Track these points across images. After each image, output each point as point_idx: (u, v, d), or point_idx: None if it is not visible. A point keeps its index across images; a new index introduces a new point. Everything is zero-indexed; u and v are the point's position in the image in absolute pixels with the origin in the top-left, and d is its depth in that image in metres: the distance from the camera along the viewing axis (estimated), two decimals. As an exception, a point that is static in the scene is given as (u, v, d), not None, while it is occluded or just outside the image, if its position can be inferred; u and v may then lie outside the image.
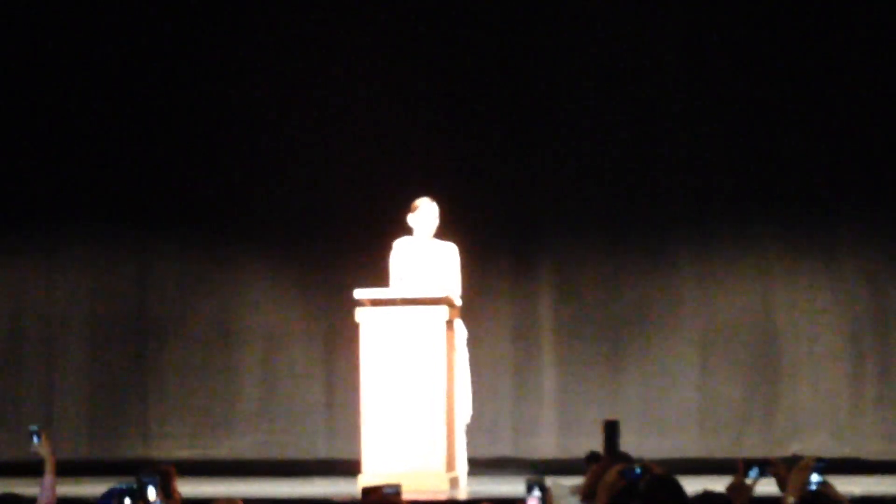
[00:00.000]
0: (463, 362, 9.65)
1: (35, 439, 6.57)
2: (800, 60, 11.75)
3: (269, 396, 12.10)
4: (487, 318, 11.62)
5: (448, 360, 9.30)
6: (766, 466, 5.49)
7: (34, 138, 12.33)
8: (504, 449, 11.72)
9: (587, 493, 6.06)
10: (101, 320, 12.25)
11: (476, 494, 9.21)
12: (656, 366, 11.77)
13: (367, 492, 5.55)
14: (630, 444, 10.01)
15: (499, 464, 11.28)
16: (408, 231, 9.82)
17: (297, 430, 12.00)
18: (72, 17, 12.28)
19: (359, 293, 9.36)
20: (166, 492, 6.07)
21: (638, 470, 5.41)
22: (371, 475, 9.07)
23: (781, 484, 5.50)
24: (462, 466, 9.62)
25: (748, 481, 5.44)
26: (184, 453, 11.79)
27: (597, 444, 9.32)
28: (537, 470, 9.43)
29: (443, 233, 9.84)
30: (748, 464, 5.48)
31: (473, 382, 9.76)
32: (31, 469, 7.13)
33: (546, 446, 11.74)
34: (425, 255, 9.74)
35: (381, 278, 9.81)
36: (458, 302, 9.57)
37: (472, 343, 9.84)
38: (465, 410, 9.65)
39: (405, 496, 5.62)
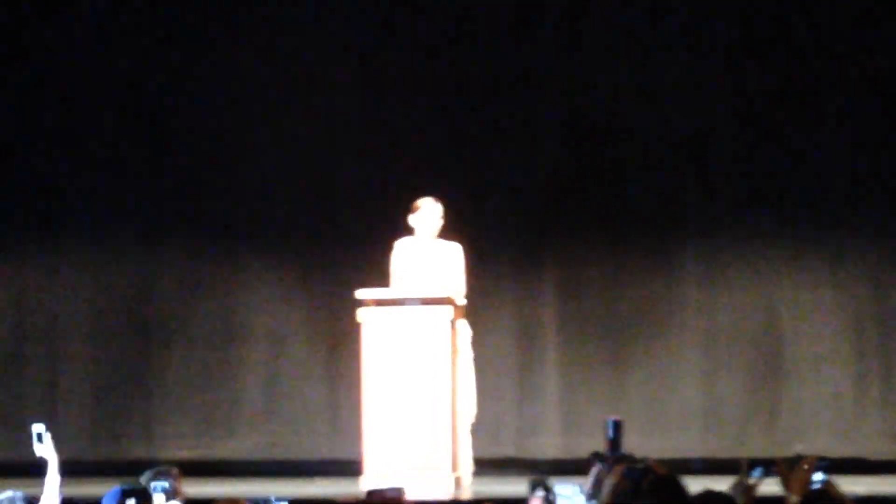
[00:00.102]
0: (466, 362, 9.64)
1: (38, 439, 6.57)
2: (802, 60, 11.75)
3: (272, 396, 12.10)
4: (491, 318, 11.61)
5: (451, 361, 9.29)
6: (769, 466, 5.49)
7: (36, 138, 12.32)
8: (507, 449, 11.72)
9: (590, 494, 6.06)
10: (103, 320, 12.24)
11: (480, 494, 9.20)
12: (660, 366, 11.77)
13: (371, 495, 5.55)
14: (633, 444, 10.01)
15: (502, 464, 11.27)
16: (410, 231, 9.82)
17: (299, 430, 11.99)
18: (74, 17, 12.28)
19: (362, 293, 9.35)
20: (171, 493, 6.07)
21: (640, 470, 5.41)
22: (374, 475, 9.06)
23: (785, 484, 5.50)
24: (466, 466, 9.62)
25: (751, 481, 5.44)
26: (187, 453, 11.78)
27: (600, 444, 9.31)
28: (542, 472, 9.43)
29: (446, 233, 9.84)
30: (751, 464, 5.48)
31: (477, 382, 9.75)
32: (35, 469, 7.13)
33: (549, 446, 11.73)
34: (427, 256, 9.73)
35: (383, 278, 9.81)
36: (462, 302, 9.56)
37: (476, 343, 9.83)
38: (468, 411, 9.64)
39: (408, 496, 5.64)
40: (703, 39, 11.86)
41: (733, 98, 11.83)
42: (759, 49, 11.80)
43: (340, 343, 11.58)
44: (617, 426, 7.57)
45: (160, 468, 6.27)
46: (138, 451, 11.94)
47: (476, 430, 9.79)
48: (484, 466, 10.19)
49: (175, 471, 6.34)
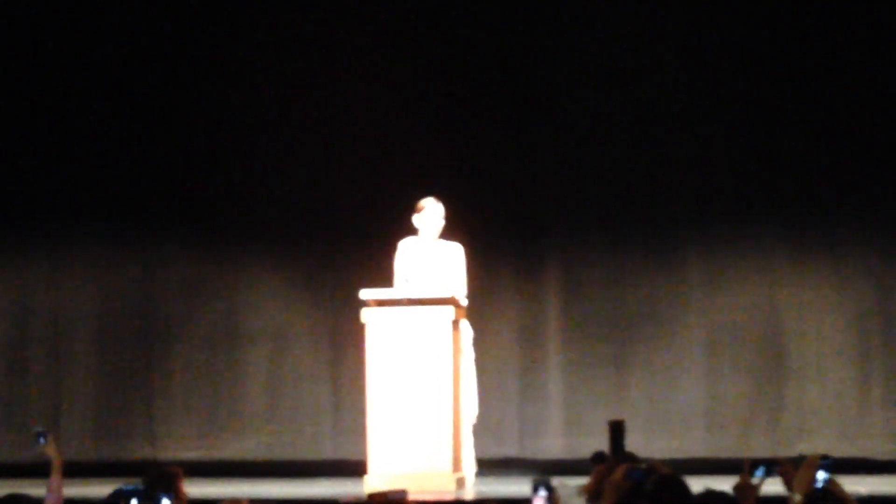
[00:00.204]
0: (469, 363, 9.65)
1: (41, 440, 6.58)
2: (804, 60, 11.75)
3: (274, 397, 12.11)
4: (493, 319, 11.62)
5: (454, 361, 9.30)
6: (772, 466, 5.49)
7: (39, 139, 12.33)
8: (510, 449, 11.72)
9: (593, 494, 6.05)
10: (106, 321, 12.25)
11: (482, 495, 9.21)
12: (662, 366, 11.77)
13: (372, 497, 5.56)
14: (636, 444, 10.02)
15: (505, 464, 11.27)
16: (413, 231, 9.82)
17: (302, 430, 12.00)
18: (75, 17, 12.28)
19: (365, 294, 9.36)
20: (174, 493, 6.07)
21: (643, 470, 5.41)
22: (377, 476, 9.06)
23: (788, 484, 5.50)
24: (469, 467, 9.62)
25: (754, 481, 5.43)
26: (190, 454, 11.79)
27: (603, 444, 9.31)
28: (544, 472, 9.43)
29: (448, 233, 9.85)
30: (754, 463, 5.47)
31: (479, 383, 9.76)
32: (38, 470, 7.14)
33: (552, 447, 11.73)
34: (430, 256, 9.74)
35: (386, 279, 9.81)
36: (464, 302, 9.57)
37: (478, 343, 9.84)
38: (471, 411, 9.64)
39: (412, 496, 5.64)
40: (704, 40, 11.87)
41: (736, 98, 11.82)
42: (759, 49, 11.80)
43: (343, 344, 11.59)
44: (619, 426, 7.57)
45: (161, 473, 6.25)
46: (142, 452, 11.95)
47: (478, 430, 9.80)
48: (486, 467, 10.20)
49: (177, 470, 6.34)
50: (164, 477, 5.93)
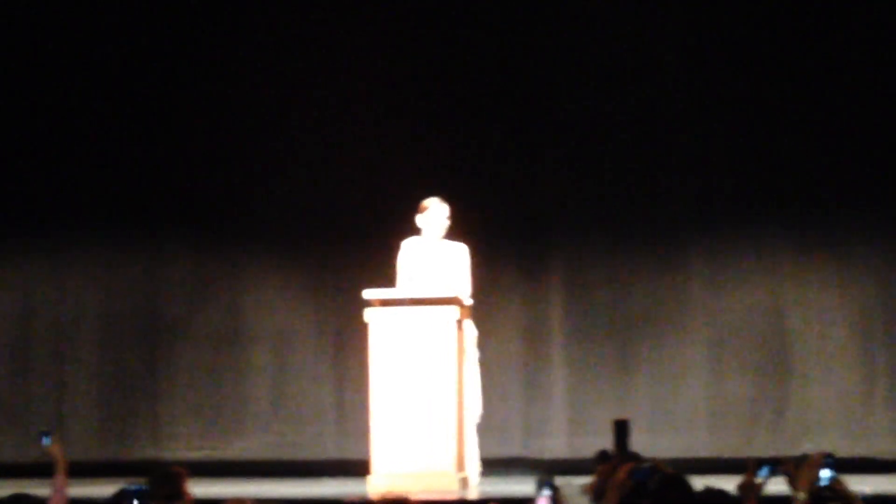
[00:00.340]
0: (473, 362, 9.65)
1: (45, 440, 6.58)
2: (805, 60, 11.75)
3: (278, 397, 12.11)
4: (497, 319, 11.63)
5: (458, 361, 9.29)
6: (776, 465, 5.48)
7: (41, 140, 12.34)
8: (514, 449, 11.72)
9: (597, 493, 6.06)
10: (110, 321, 12.26)
11: (486, 494, 9.20)
12: (666, 365, 11.77)
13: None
14: (640, 443, 10.03)
15: (509, 464, 11.27)
16: (417, 231, 9.82)
17: (306, 430, 12.01)
18: (76, 17, 12.30)
19: (368, 293, 9.36)
20: (178, 493, 6.07)
21: (647, 469, 5.41)
22: (381, 476, 9.06)
23: (792, 483, 5.50)
24: (473, 466, 9.62)
25: (758, 480, 5.43)
26: (194, 454, 11.80)
27: (607, 443, 9.33)
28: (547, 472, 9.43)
29: (452, 233, 9.84)
30: (758, 463, 5.47)
31: (483, 382, 9.75)
32: (42, 470, 7.14)
33: (556, 446, 11.74)
34: (434, 256, 9.73)
35: (390, 279, 9.81)
36: (468, 302, 9.56)
37: (482, 343, 9.83)
38: (475, 411, 9.64)
39: (416, 496, 5.63)
40: (704, 40, 11.87)
41: (739, 98, 11.82)
42: (759, 49, 11.80)
43: (347, 344, 11.59)
44: (623, 426, 7.59)
45: (165, 473, 6.24)
46: (146, 452, 11.96)
47: (483, 430, 9.79)
48: (491, 466, 10.19)
49: (181, 469, 6.34)
50: (168, 477, 5.93)
